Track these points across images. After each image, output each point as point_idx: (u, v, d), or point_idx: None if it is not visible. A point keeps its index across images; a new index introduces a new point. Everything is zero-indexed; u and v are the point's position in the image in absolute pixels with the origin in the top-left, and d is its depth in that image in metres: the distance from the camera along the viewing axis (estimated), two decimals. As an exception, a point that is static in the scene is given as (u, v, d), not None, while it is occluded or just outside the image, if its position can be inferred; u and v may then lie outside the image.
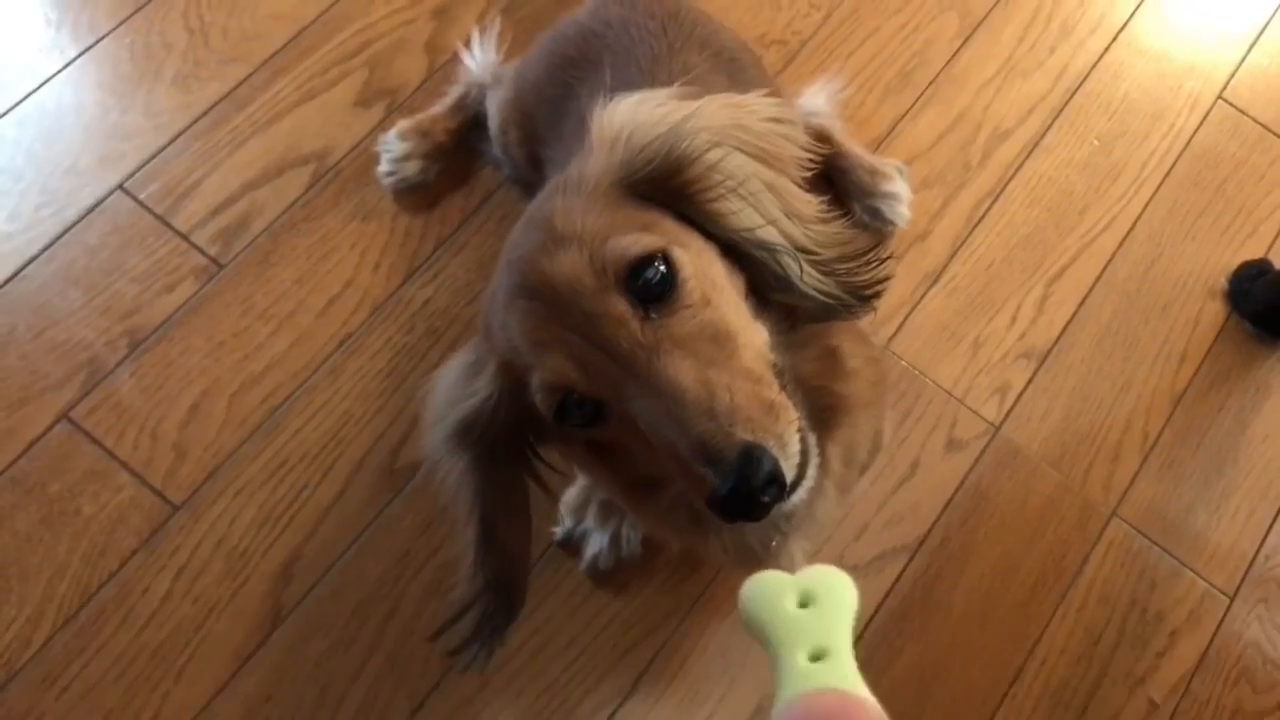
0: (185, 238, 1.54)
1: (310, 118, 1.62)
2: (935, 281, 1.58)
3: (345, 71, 1.66)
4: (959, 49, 1.74)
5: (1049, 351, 1.55)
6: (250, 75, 1.64)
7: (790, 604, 0.51)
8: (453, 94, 1.60)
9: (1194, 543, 1.47)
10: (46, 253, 1.52)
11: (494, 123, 1.49)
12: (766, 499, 0.69)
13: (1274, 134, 1.72)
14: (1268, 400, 1.55)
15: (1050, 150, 1.68)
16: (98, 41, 1.66)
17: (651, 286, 0.74)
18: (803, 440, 0.74)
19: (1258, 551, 1.47)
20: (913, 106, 1.69)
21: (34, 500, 1.40)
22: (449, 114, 1.59)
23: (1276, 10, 1.82)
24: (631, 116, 0.81)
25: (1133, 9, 1.80)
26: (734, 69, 1.24)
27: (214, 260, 1.53)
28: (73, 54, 1.65)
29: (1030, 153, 1.67)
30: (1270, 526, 1.48)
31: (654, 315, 0.74)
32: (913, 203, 1.59)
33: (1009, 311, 1.57)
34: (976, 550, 1.44)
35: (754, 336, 0.79)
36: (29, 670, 1.32)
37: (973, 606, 1.41)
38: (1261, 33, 1.79)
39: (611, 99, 0.83)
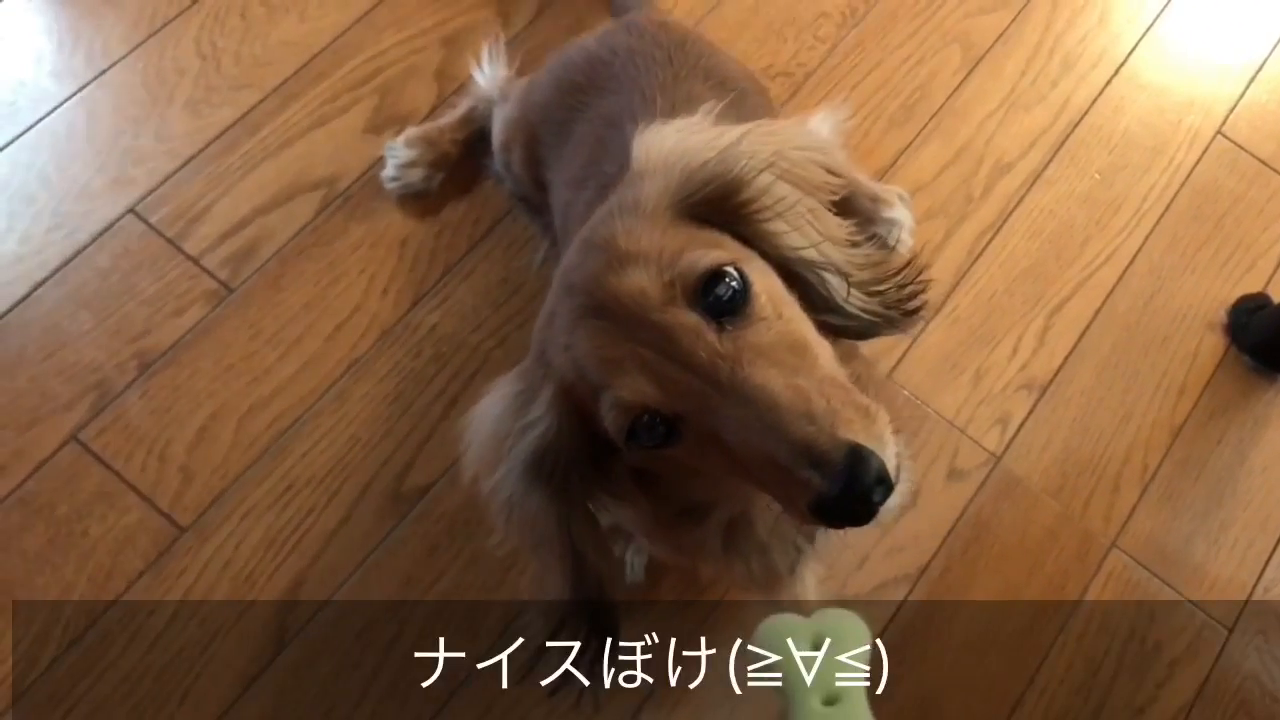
0: (195, 261, 1.55)
1: (321, 144, 1.64)
2: (937, 312, 1.59)
3: (356, 98, 1.68)
4: (962, 82, 1.76)
5: (1050, 383, 1.57)
6: (261, 101, 1.66)
7: (804, 647, 0.51)
8: (462, 106, 1.63)
9: (1193, 574, 1.48)
10: (57, 275, 1.54)
11: (497, 139, 1.52)
12: (876, 499, 0.68)
13: (1272, 169, 1.74)
14: (1266, 433, 1.57)
15: (1052, 183, 1.70)
16: (111, 67, 1.68)
17: (724, 300, 0.74)
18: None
19: (1256, 583, 1.48)
20: (916, 139, 1.71)
21: (42, 521, 1.41)
22: (457, 125, 1.62)
23: (1275, 47, 1.84)
24: (681, 141, 0.82)
25: (1134, 44, 1.82)
26: (739, 99, 1.26)
27: (224, 284, 1.54)
28: (86, 79, 1.66)
29: (1032, 185, 1.69)
30: (1269, 558, 1.50)
31: (729, 327, 0.74)
32: (914, 230, 1.61)
33: (1010, 343, 1.58)
34: (977, 580, 1.45)
35: (825, 348, 0.79)
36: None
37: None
38: (1260, 69, 1.82)
39: (650, 125, 0.85)
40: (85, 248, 1.55)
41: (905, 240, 1.59)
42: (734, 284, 0.75)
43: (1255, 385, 1.59)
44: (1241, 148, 1.75)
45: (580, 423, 0.80)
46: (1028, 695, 1.40)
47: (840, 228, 0.86)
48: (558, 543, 0.85)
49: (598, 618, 0.91)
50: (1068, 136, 1.74)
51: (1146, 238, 1.67)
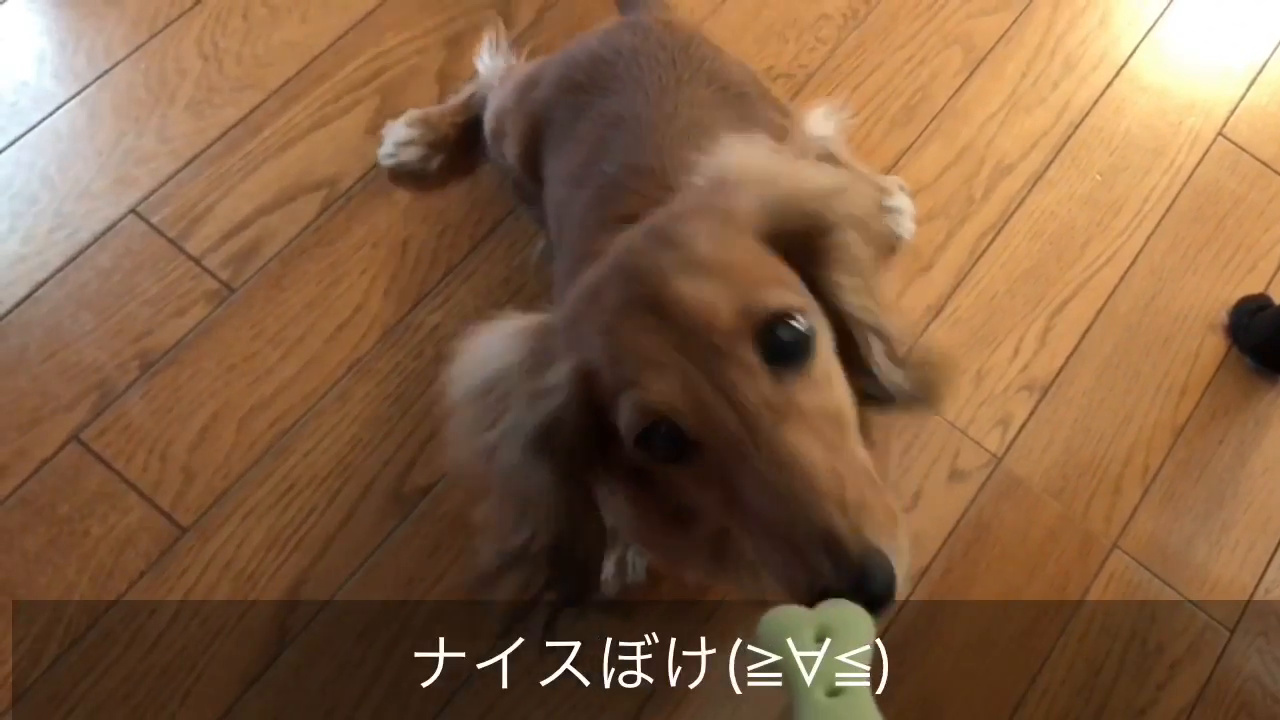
0: (197, 262, 1.55)
1: (322, 144, 1.64)
2: (938, 314, 1.59)
3: (357, 99, 1.68)
4: (963, 84, 1.76)
5: (1051, 384, 1.57)
6: (263, 102, 1.66)
7: (808, 639, 0.51)
8: (464, 92, 1.64)
9: (1194, 575, 1.48)
10: (59, 275, 1.54)
11: (488, 125, 1.51)
12: (876, 609, 0.64)
13: (1273, 171, 1.74)
14: (1267, 434, 1.57)
15: (1053, 184, 1.70)
16: (113, 67, 1.68)
17: (785, 346, 0.71)
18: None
19: (1258, 584, 1.48)
20: (917, 140, 1.71)
21: (43, 521, 1.41)
22: (458, 110, 1.63)
23: (1276, 48, 1.84)
24: (779, 165, 0.81)
25: (1135, 46, 1.82)
26: (743, 104, 1.25)
27: (225, 284, 1.54)
28: (88, 79, 1.67)
29: (1033, 187, 1.69)
30: (1270, 560, 1.50)
31: (782, 378, 0.71)
32: (916, 216, 1.62)
33: (1011, 344, 1.58)
34: (978, 581, 1.45)
35: (855, 422, 0.76)
36: (36, 690, 1.32)
37: (974, 637, 1.42)
38: (1261, 71, 1.82)
39: (736, 137, 0.84)
40: (87, 248, 1.55)
41: (909, 227, 1.60)
42: (802, 334, 0.72)
43: (1257, 386, 1.59)
44: (1242, 149, 1.75)
45: (590, 407, 0.76)
46: (1029, 696, 1.40)
47: (887, 292, 0.86)
48: (548, 523, 0.81)
49: (567, 581, 0.86)
50: (1069, 138, 1.74)
51: (1148, 239, 1.67)
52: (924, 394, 0.84)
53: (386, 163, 1.61)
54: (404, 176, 1.62)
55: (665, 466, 0.75)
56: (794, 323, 0.72)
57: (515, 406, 0.77)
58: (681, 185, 0.94)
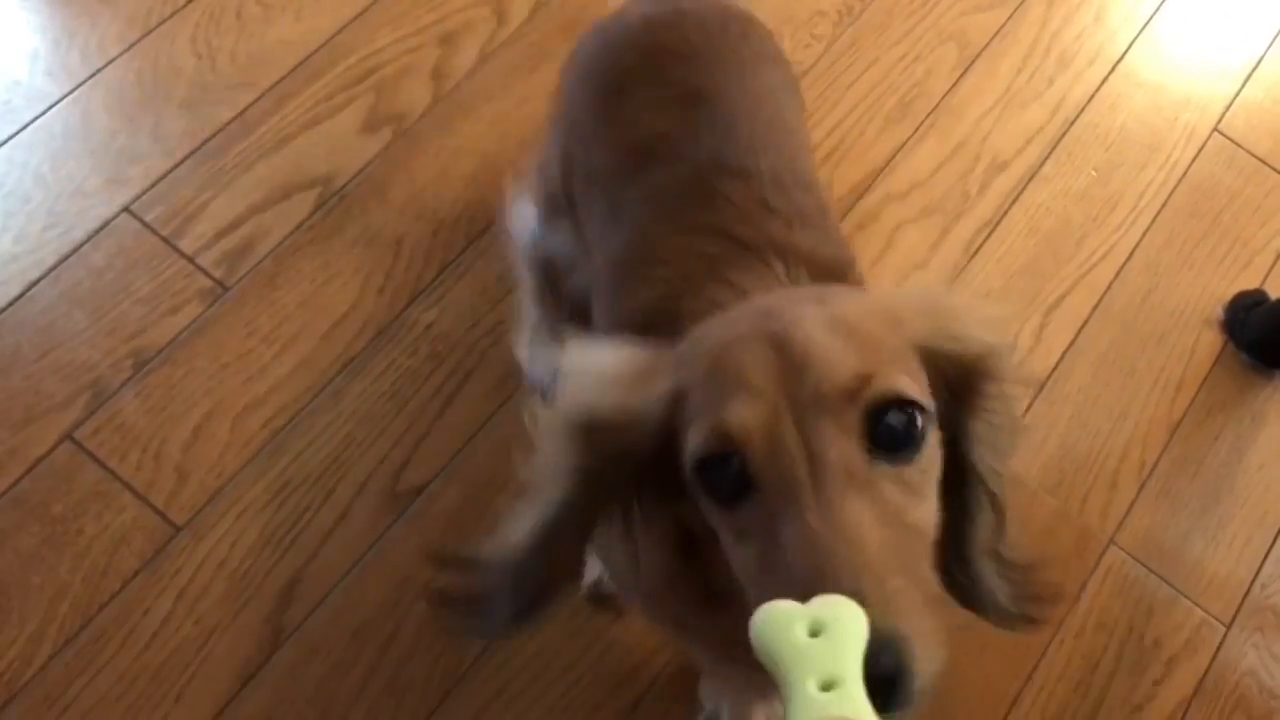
0: (191, 260, 1.55)
1: (316, 142, 1.64)
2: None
3: (351, 97, 1.67)
4: (958, 80, 1.76)
5: (1047, 380, 1.57)
6: (257, 100, 1.66)
7: (800, 633, 0.51)
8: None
9: (1191, 571, 1.48)
10: (52, 274, 1.53)
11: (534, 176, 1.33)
12: (884, 710, 0.56)
13: (1269, 166, 1.74)
14: (1263, 429, 1.57)
15: (1048, 180, 1.70)
16: (106, 65, 1.67)
17: (892, 433, 0.66)
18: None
19: (1254, 580, 1.48)
20: (912, 136, 1.71)
21: (37, 520, 1.40)
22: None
23: (1271, 44, 1.84)
24: (954, 299, 0.76)
25: (1130, 41, 1.82)
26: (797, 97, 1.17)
27: (219, 283, 1.54)
28: (81, 77, 1.66)
29: (1028, 183, 1.69)
30: (1266, 555, 1.49)
31: (874, 461, 0.65)
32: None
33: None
34: (975, 577, 1.45)
35: (930, 548, 0.69)
36: (30, 690, 1.32)
37: (970, 634, 1.41)
38: (1256, 66, 1.82)
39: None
40: (80, 246, 1.55)
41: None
42: (913, 429, 0.67)
43: (1252, 382, 1.59)
44: (1238, 145, 1.75)
45: (668, 431, 0.71)
46: (1025, 692, 1.39)
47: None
48: (542, 521, 0.75)
49: (513, 598, 0.79)
50: (1064, 134, 1.74)
51: (1143, 235, 1.67)
52: (1017, 606, 0.77)
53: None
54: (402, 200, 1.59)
55: (715, 509, 0.69)
56: (911, 413, 0.67)
57: (600, 407, 0.73)
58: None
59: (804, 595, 0.58)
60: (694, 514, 0.72)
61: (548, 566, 0.77)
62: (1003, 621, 0.78)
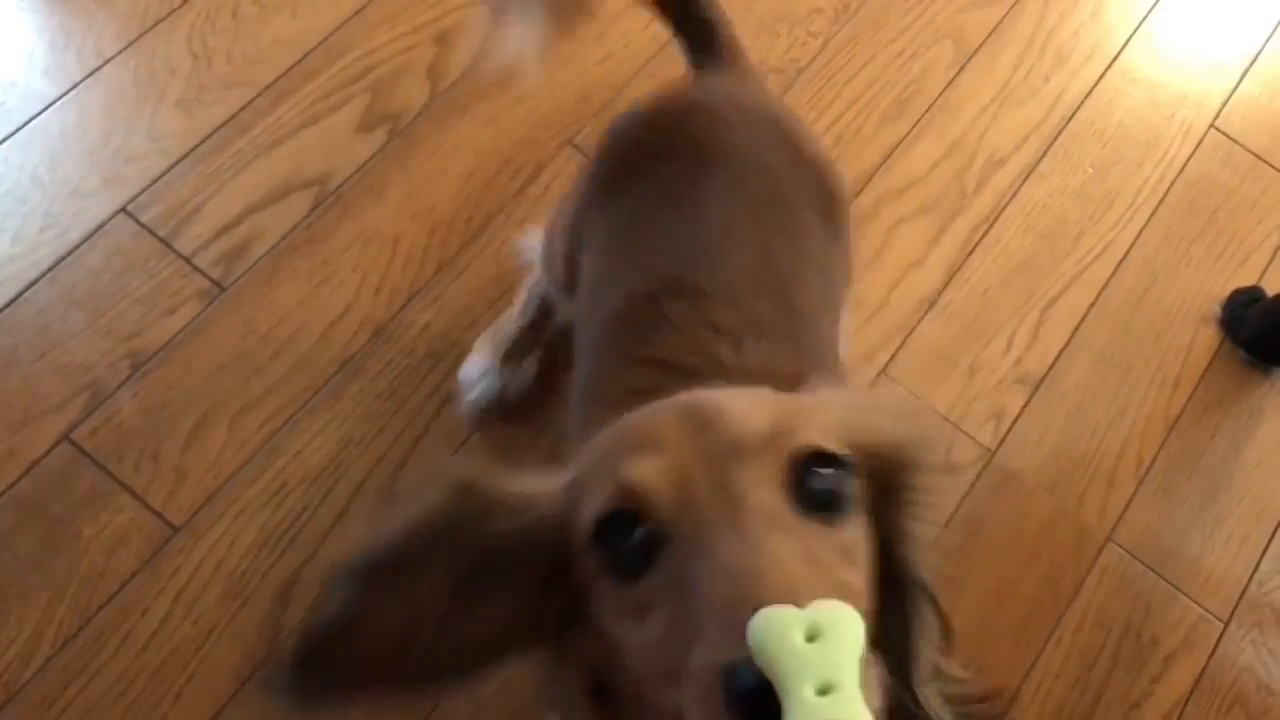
0: (188, 260, 1.55)
1: (313, 142, 1.64)
2: (931, 307, 1.59)
3: (348, 96, 1.67)
4: (955, 77, 1.76)
5: (1044, 377, 1.57)
6: (253, 99, 1.66)
7: (798, 638, 0.50)
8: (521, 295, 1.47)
9: (1188, 568, 1.48)
10: (49, 275, 1.53)
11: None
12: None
13: (1265, 163, 1.74)
14: (1260, 426, 1.57)
15: (1045, 178, 1.70)
16: (102, 65, 1.67)
17: (815, 489, 0.60)
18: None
19: (1251, 577, 1.48)
20: (909, 134, 1.71)
21: (34, 521, 1.40)
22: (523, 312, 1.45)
23: (1268, 40, 1.84)
24: (871, 401, 0.73)
25: (1126, 38, 1.82)
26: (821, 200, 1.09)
27: (216, 283, 1.54)
28: (77, 77, 1.66)
29: (1025, 180, 1.69)
30: (1264, 552, 1.50)
31: (798, 515, 0.59)
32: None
33: (1004, 337, 1.58)
34: (972, 575, 1.45)
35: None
36: (28, 691, 1.32)
37: (969, 630, 1.42)
38: (1253, 62, 1.82)
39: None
40: (77, 247, 1.55)
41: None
42: (840, 489, 0.61)
43: (1250, 379, 1.59)
44: (1235, 141, 1.75)
45: (557, 531, 0.64)
46: (1023, 690, 1.40)
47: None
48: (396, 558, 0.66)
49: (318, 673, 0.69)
50: (1061, 131, 1.74)
51: (1140, 232, 1.67)
52: None
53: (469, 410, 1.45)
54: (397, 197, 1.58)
55: (613, 586, 0.61)
56: (836, 473, 0.61)
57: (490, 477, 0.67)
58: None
59: (723, 626, 0.52)
60: (600, 646, 0.64)
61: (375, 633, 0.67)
62: None
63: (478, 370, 1.45)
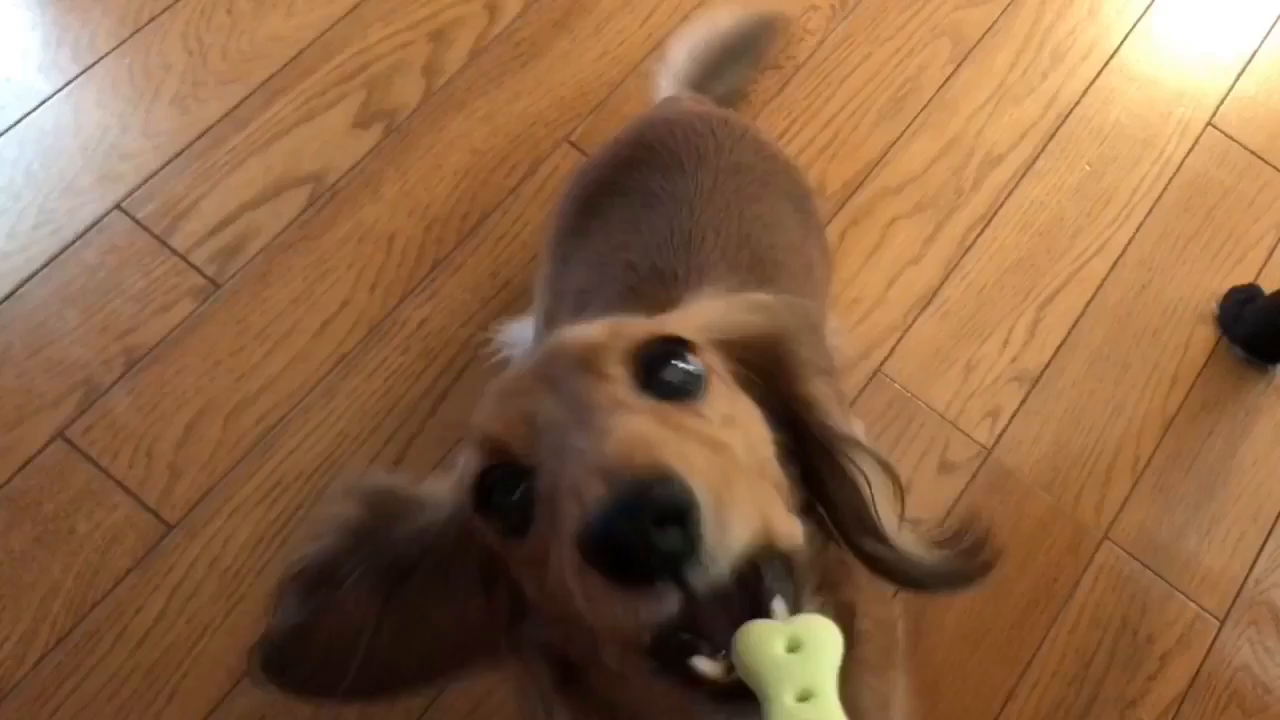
0: (183, 257, 1.55)
1: (308, 139, 1.63)
2: (928, 305, 1.59)
3: (343, 93, 1.67)
4: (951, 75, 1.76)
5: (1040, 375, 1.56)
6: (249, 96, 1.66)
7: (779, 648, 0.54)
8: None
9: (1185, 566, 1.48)
10: (44, 272, 1.53)
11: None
12: (662, 543, 0.49)
13: (1263, 160, 1.74)
14: (1257, 425, 1.57)
15: (1042, 176, 1.70)
16: (97, 62, 1.67)
17: (666, 377, 0.60)
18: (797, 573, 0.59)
19: (1248, 575, 1.48)
20: (905, 132, 1.71)
21: (28, 519, 1.40)
22: None
23: (1265, 39, 1.84)
24: (720, 300, 0.73)
25: (1123, 36, 1.82)
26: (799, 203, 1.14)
27: (211, 280, 1.54)
28: (72, 74, 1.66)
29: (1022, 178, 1.69)
30: (1260, 550, 1.50)
31: (656, 398, 0.60)
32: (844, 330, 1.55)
33: (1001, 335, 1.58)
34: (969, 573, 1.45)
35: (775, 478, 0.63)
36: (22, 688, 1.32)
37: (965, 629, 1.42)
38: (1250, 61, 1.82)
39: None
40: (71, 244, 1.55)
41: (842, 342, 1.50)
42: (689, 368, 0.61)
43: (1247, 377, 1.59)
44: (1232, 139, 1.75)
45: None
46: (1020, 688, 1.40)
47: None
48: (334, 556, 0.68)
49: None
50: (1058, 129, 1.73)
51: (1137, 230, 1.67)
52: (953, 566, 0.70)
53: None
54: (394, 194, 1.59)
55: (509, 545, 0.62)
56: (681, 353, 0.62)
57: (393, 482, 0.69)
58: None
59: (577, 499, 0.51)
60: (551, 628, 0.65)
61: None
62: (944, 586, 0.71)
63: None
